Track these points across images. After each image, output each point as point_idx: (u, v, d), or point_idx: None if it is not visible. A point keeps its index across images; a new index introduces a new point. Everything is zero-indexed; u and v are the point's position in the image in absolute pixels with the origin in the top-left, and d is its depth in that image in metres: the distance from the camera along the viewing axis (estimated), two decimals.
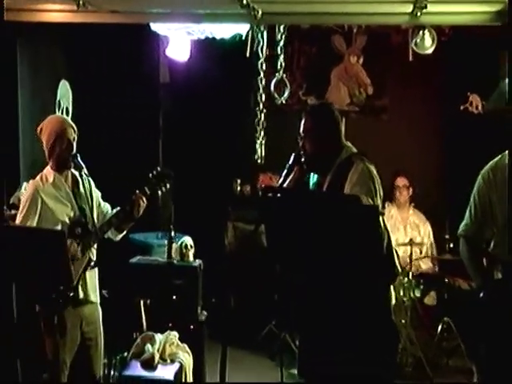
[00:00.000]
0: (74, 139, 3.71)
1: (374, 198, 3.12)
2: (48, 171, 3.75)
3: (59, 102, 5.77)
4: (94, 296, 3.79)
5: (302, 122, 3.36)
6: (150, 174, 3.84)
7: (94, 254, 3.76)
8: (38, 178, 3.76)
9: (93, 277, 3.78)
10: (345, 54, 6.76)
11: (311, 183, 3.44)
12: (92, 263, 3.73)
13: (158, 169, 3.87)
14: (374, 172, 3.25)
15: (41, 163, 5.14)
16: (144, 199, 3.79)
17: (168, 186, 3.88)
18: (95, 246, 3.74)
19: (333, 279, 2.90)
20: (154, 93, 6.61)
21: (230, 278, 4.84)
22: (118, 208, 3.85)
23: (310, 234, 2.71)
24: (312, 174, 3.42)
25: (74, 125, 3.77)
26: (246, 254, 4.15)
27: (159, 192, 3.89)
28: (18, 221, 3.68)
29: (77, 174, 3.72)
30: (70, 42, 6.05)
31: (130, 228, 3.96)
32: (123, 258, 5.21)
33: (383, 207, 5.37)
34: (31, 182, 3.78)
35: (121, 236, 3.96)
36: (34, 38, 5.32)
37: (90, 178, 3.76)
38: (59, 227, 3.62)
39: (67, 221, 3.67)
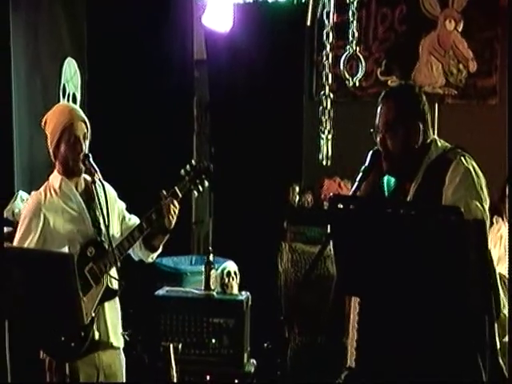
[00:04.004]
0: (85, 136, 3.75)
1: (484, 206, 3.14)
2: (54, 177, 3.82)
3: (64, 86, 5.88)
4: (116, 339, 3.83)
5: (381, 109, 3.36)
6: (183, 170, 3.88)
7: (113, 281, 3.80)
8: (42, 188, 3.84)
9: (114, 313, 3.82)
10: (438, 18, 6.72)
11: (386, 189, 3.43)
12: (111, 293, 3.77)
13: (193, 162, 3.92)
14: (480, 172, 3.25)
15: (42, 166, 5.26)
16: (175, 203, 3.81)
17: (206, 184, 3.92)
18: (115, 270, 3.77)
19: (425, 318, 2.89)
20: (186, 73, 6.67)
21: (286, 316, 4.85)
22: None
23: (393, 258, 2.71)
24: (386, 177, 3.42)
25: (85, 118, 3.83)
26: (307, 283, 4.14)
27: (195, 192, 3.92)
28: (14, 242, 3.76)
29: (90, 179, 3.77)
30: (79, 9, 6.16)
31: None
32: (147, 289, 5.27)
33: (491, 223, 5.32)
34: (33, 193, 3.86)
35: (155, 255, 4.03)
36: (33, 2, 5.45)
37: (106, 185, 3.79)
38: (66, 249, 3.68)
39: (79, 240, 3.73)
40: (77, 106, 3.95)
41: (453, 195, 3.15)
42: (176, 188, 3.84)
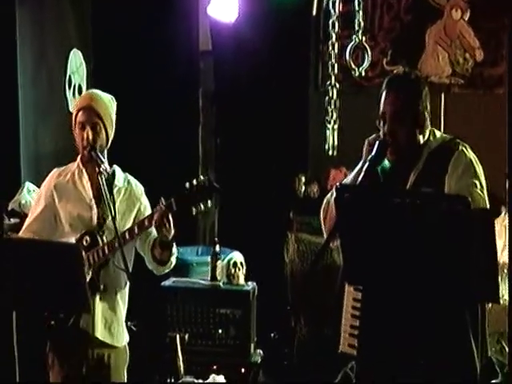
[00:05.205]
0: (94, 127, 3.65)
1: (485, 195, 3.18)
2: (77, 161, 3.82)
3: (70, 77, 5.88)
4: (108, 335, 3.74)
5: (387, 98, 3.34)
6: (188, 184, 3.53)
7: (101, 278, 3.68)
8: (65, 167, 3.85)
9: (108, 310, 3.73)
10: (445, 7, 6.70)
11: (381, 176, 3.42)
12: (92, 288, 3.58)
13: (201, 178, 3.55)
14: (479, 163, 3.29)
15: (48, 157, 5.26)
16: (169, 216, 3.52)
17: (209, 204, 3.53)
18: (121, 260, 3.59)
19: (431, 307, 2.90)
20: (191, 64, 6.67)
21: (293, 307, 4.86)
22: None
23: (400, 248, 2.71)
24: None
25: (103, 111, 3.72)
26: (313, 274, 4.15)
27: (193, 210, 3.53)
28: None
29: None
30: (85, 0, 6.16)
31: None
32: (153, 279, 5.28)
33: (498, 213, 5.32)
34: (55, 169, 3.87)
35: (162, 270, 3.81)
36: None
37: (133, 181, 3.84)
38: (69, 230, 3.69)
39: (81, 227, 3.70)
40: (104, 98, 3.78)
41: (456, 184, 3.17)
42: (173, 200, 3.52)
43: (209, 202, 3.52)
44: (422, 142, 3.33)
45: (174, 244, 3.71)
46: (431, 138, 3.35)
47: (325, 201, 3.51)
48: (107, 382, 3.77)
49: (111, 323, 3.77)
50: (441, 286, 2.70)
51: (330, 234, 3.12)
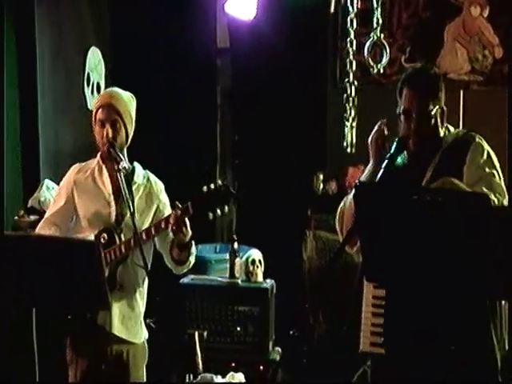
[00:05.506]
0: (114, 124, 3.65)
1: (503, 185, 3.19)
2: (97, 158, 3.82)
3: (88, 75, 5.90)
4: (125, 331, 3.73)
5: (409, 94, 3.32)
6: (205, 188, 3.51)
7: (119, 273, 3.67)
8: (85, 163, 3.85)
9: (125, 306, 3.72)
10: (463, 3, 6.68)
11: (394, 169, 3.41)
12: (110, 285, 3.53)
13: (219, 182, 3.53)
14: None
15: (67, 154, 5.28)
16: (185, 220, 3.50)
17: (226, 209, 3.50)
18: (139, 256, 3.58)
19: (451, 304, 2.90)
20: (209, 61, 6.68)
21: (311, 304, 4.86)
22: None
23: (420, 245, 2.71)
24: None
25: (120, 107, 3.71)
26: (331, 271, 4.14)
27: (210, 214, 3.50)
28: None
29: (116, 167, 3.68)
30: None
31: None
32: (171, 277, 5.29)
33: None
34: (76, 164, 3.87)
35: (181, 269, 3.81)
36: None
37: (152, 178, 3.83)
38: (87, 226, 3.70)
39: (99, 224, 3.69)
40: (124, 96, 3.77)
41: (475, 173, 3.18)
42: (189, 204, 3.50)
43: (226, 207, 3.49)
44: (441, 136, 3.35)
45: (193, 243, 3.71)
46: (447, 133, 3.36)
47: (339, 210, 3.50)
48: (126, 378, 3.78)
49: (129, 320, 3.76)
50: (460, 282, 2.70)
51: (347, 235, 3.14)
